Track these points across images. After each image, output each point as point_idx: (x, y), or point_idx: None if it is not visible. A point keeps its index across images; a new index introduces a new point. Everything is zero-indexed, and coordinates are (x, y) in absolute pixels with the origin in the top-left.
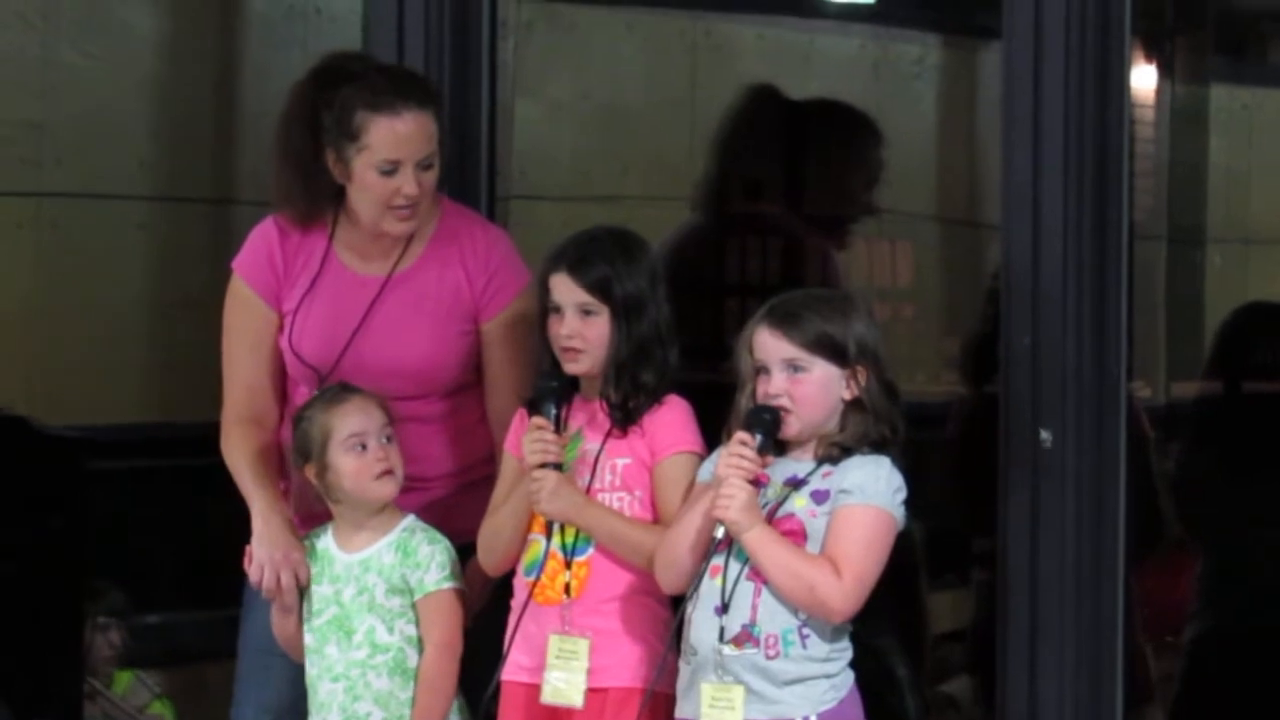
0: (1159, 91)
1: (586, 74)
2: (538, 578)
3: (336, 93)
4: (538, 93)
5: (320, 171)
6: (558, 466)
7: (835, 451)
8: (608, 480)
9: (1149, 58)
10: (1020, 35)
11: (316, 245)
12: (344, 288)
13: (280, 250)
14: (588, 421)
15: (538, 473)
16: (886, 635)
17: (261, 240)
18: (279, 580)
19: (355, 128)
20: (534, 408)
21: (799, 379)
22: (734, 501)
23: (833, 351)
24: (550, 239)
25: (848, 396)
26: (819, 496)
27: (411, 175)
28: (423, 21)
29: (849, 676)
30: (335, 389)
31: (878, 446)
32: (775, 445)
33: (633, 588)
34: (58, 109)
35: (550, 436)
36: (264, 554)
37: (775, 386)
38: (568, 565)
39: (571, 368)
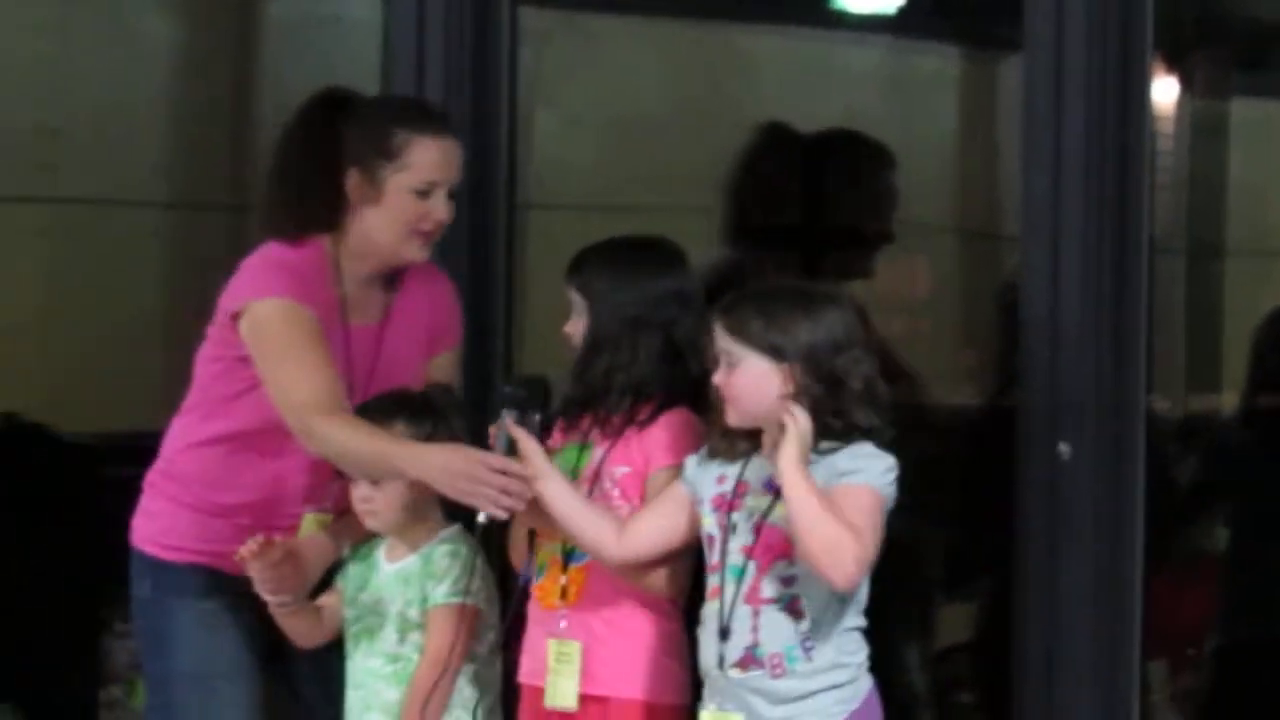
0: (1179, 104)
1: (604, 84)
2: (539, 581)
3: (350, 115)
4: (555, 102)
5: (316, 193)
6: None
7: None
8: (607, 488)
9: (1169, 70)
10: (1041, 47)
11: (318, 288)
12: (348, 341)
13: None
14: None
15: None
16: (907, 645)
17: (281, 265)
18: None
19: (395, 146)
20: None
21: (730, 370)
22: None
23: (763, 346)
24: (567, 248)
25: (785, 393)
26: None
27: (443, 200)
28: (443, 29)
29: (860, 689)
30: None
31: (843, 438)
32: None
33: (629, 597)
34: (74, 115)
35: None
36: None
37: (717, 377)
38: (564, 569)
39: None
